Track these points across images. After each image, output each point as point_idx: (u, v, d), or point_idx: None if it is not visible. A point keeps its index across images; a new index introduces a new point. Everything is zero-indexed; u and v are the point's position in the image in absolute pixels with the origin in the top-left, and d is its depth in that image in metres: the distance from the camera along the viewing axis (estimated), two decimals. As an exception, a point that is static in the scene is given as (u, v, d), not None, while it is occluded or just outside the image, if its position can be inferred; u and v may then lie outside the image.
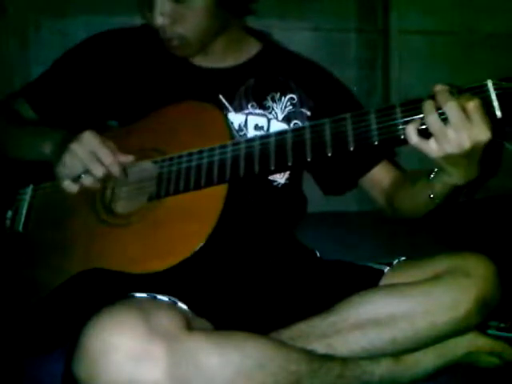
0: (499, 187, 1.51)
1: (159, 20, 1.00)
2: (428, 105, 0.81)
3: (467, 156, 0.83)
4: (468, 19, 1.49)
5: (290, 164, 0.88)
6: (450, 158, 0.83)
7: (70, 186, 0.95)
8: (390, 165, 1.16)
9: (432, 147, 0.82)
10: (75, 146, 0.93)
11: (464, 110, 0.79)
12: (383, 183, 1.14)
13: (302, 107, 1.12)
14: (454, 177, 0.89)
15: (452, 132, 0.80)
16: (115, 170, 0.94)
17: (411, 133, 0.82)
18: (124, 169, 0.96)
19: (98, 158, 0.93)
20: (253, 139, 0.92)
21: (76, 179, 0.94)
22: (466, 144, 0.80)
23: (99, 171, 0.93)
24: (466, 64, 1.48)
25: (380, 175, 1.15)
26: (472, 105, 0.79)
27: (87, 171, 0.93)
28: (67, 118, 1.13)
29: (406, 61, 1.50)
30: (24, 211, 1.01)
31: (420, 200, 0.99)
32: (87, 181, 0.94)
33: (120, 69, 1.12)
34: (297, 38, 1.34)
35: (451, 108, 0.79)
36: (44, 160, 0.99)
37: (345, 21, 1.49)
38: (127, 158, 0.96)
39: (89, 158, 0.92)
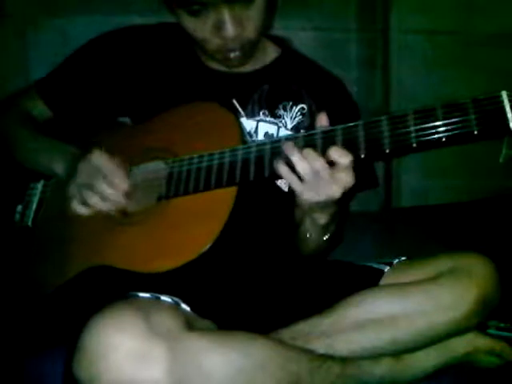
0: (499, 187, 1.51)
1: (236, 30, 0.98)
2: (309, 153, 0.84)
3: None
4: (468, 19, 1.49)
5: None
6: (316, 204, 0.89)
7: (81, 209, 0.95)
8: None
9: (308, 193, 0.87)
10: (84, 167, 0.93)
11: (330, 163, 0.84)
12: None
13: (310, 116, 1.12)
14: (321, 218, 0.96)
15: (324, 182, 0.85)
16: (123, 187, 0.94)
17: (285, 172, 0.86)
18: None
19: (104, 176, 0.93)
20: (264, 143, 0.92)
21: (85, 202, 0.94)
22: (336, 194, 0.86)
23: (106, 191, 0.92)
24: (466, 64, 1.48)
25: None
26: (343, 162, 0.83)
27: (95, 190, 0.93)
28: (80, 113, 1.14)
29: (406, 61, 1.50)
30: (34, 206, 1.02)
31: (305, 239, 1.04)
32: (96, 201, 0.93)
33: (136, 66, 1.12)
34: (297, 38, 1.34)
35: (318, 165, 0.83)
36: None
37: (345, 21, 1.48)
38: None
39: (96, 178, 0.92)
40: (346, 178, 0.85)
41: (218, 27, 0.98)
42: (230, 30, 0.98)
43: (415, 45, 1.49)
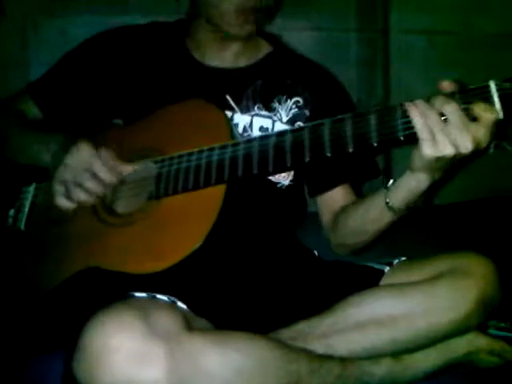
0: (499, 187, 1.52)
1: None
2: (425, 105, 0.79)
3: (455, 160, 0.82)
4: (468, 19, 1.49)
5: (288, 165, 0.88)
6: (440, 161, 0.82)
7: (65, 203, 0.94)
8: (350, 189, 1.13)
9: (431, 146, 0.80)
10: (69, 161, 0.93)
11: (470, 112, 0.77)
12: (335, 206, 1.12)
13: (305, 109, 1.12)
14: (425, 181, 0.89)
15: (456, 132, 0.78)
16: (110, 180, 0.93)
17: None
18: (120, 176, 0.96)
19: (92, 172, 0.92)
20: (252, 139, 0.92)
21: (69, 196, 0.93)
22: (469, 146, 0.78)
23: (92, 185, 0.92)
24: (465, 64, 1.48)
25: (335, 197, 1.13)
26: (486, 117, 0.77)
27: (80, 185, 0.92)
28: (72, 115, 1.14)
29: (406, 61, 1.50)
30: (26, 209, 1.01)
31: (372, 212, 0.99)
32: (81, 196, 0.93)
33: (127, 66, 1.12)
34: (297, 38, 1.34)
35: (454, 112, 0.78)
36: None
37: (345, 21, 1.49)
38: (126, 168, 0.96)
39: (82, 172, 0.92)
40: (482, 135, 0.78)
41: None
42: None
43: (415, 45, 1.50)
